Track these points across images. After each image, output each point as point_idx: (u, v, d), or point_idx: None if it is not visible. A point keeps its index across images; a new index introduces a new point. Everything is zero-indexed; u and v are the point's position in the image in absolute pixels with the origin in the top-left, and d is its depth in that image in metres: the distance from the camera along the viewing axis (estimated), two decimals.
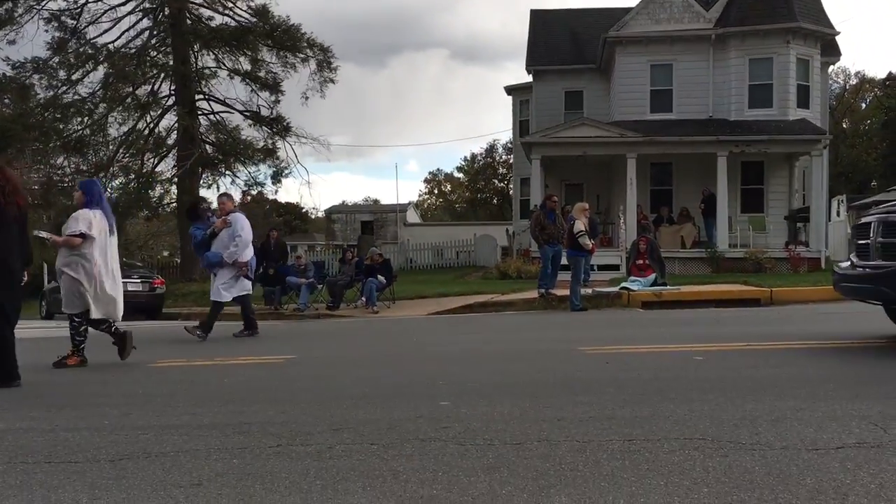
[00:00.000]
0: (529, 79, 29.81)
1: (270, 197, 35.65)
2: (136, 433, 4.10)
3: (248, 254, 10.63)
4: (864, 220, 6.93)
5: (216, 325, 10.62)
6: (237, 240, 10.38)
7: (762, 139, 22.89)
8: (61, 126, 27.18)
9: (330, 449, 3.61)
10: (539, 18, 31.04)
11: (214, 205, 12.29)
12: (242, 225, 10.54)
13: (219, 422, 4.34)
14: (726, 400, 4.46)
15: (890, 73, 50.77)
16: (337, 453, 3.53)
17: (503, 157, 64.33)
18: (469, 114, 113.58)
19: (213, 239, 10.54)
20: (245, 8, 28.09)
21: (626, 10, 26.25)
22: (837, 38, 26.45)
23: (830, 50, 26.37)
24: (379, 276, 16.99)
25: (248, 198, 32.41)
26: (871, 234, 6.58)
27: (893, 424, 3.72)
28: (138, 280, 20.61)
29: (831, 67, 31.03)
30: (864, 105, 54.99)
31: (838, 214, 23.07)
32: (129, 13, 27.38)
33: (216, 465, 3.38)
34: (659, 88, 25.30)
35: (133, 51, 27.22)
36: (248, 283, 10.86)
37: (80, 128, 27.50)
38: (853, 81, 53.63)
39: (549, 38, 29.98)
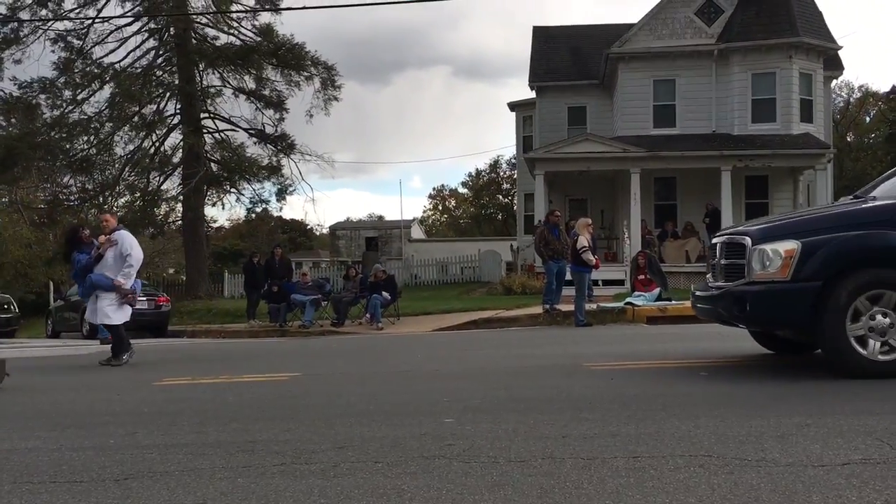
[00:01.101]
0: (532, 95, 29.92)
1: (275, 214, 35.71)
2: (141, 452, 4.10)
3: (131, 281, 9.80)
4: (713, 241, 6.94)
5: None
6: (128, 258, 9.60)
7: (766, 153, 22.92)
8: (67, 145, 27.33)
9: (334, 467, 3.61)
10: (541, 35, 31.18)
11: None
12: (130, 243, 9.82)
13: (223, 440, 4.34)
14: (732, 416, 4.45)
15: (893, 87, 50.81)
16: (341, 471, 3.53)
17: (507, 172, 64.48)
18: (473, 130, 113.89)
19: (97, 262, 9.69)
20: (250, 27, 28.31)
21: (628, 27, 26.37)
22: (840, 52, 26.50)
23: (833, 64, 26.42)
24: (383, 293, 17.00)
25: (253, 215, 32.42)
26: (717, 256, 6.59)
27: None
28: (143, 298, 20.60)
29: (834, 81, 31.10)
30: (867, 118, 54.99)
31: None
32: (135, 33, 27.60)
33: (221, 485, 3.38)
34: (662, 104, 25.36)
35: (139, 70, 27.40)
36: (129, 311, 9.96)
37: (86, 147, 27.64)
38: (857, 95, 53.68)
39: (552, 54, 30.11)
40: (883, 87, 56.36)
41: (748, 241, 6.00)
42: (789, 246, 5.71)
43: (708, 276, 7.02)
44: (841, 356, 5.65)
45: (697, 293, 6.92)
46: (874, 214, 5.95)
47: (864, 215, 6.00)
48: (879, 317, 5.58)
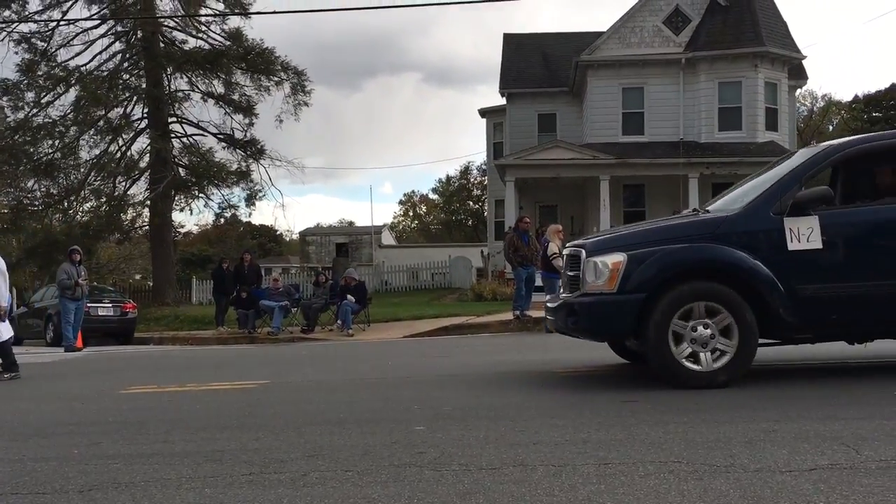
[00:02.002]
0: (503, 102, 30.04)
1: (244, 219, 35.41)
2: (105, 462, 4.03)
3: (5, 294, 9.33)
4: (563, 252, 7.08)
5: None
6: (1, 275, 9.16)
7: (732, 161, 23.23)
8: (31, 149, 26.87)
9: (304, 476, 3.57)
10: (512, 42, 31.34)
11: None
12: None
13: (191, 450, 4.28)
14: (700, 422, 4.48)
15: (856, 96, 51.91)
16: (311, 481, 3.49)
17: (478, 178, 64.61)
18: (443, 136, 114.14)
19: None
20: (219, 31, 28.09)
21: (598, 35, 26.60)
22: (804, 61, 26.97)
23: (798, 73, 26.87)
24: (349, 297, 16.92)
25: (222, 220, 32.14)
26: (564, 268, 6.73)
27: (865, 445, 3.75)
28: (109, 304, 20.32)
29: (799, 90, 31.60)
30: (831, 127, 55.96)
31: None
32: (102, 36, 27.24)
33: (188, 495, 3.33)
34: (630, 111, 25.62)
35: (105, 73, 27.05)
36: (7, 327, 9.30)
37: (50, 151, 27.22)
38: (820, 104, 54.64)
39: (522, 61, 30.27)
40: (846, 96, 57.51)
41: (583, 253, 6.13)
42: (616, 258, 5.83)
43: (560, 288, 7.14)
44: (665, 366, 5.76)
45: (547, 304, 6.98)
46: (698, 227, 6.10)
47: (690, 228, 6.14)
48: (701, 328, 5.68)
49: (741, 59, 24.62)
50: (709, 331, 5.67)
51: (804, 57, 26.49)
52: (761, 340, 5.97)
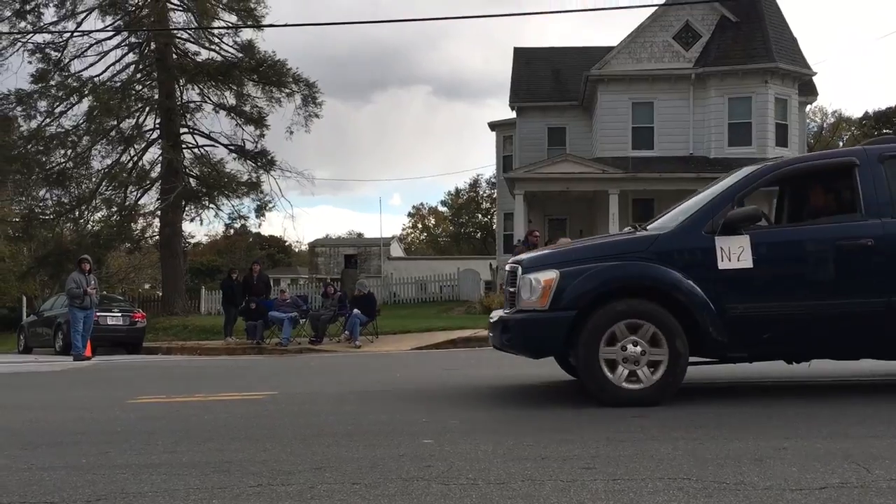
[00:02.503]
0: (513, 115, 30.10)
1: (254, 230, 35.52)
2: (114, 472, 4.03)
3: None
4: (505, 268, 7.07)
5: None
6: None
7: None
8: (44, 158, 27.06)
9: (311, 489, 3.57)
10: (522, 56, 31.44)
11: None
12: None
13: (198, 460, 4.28)
14: (709, 439, 4.46)
15: (866, 113, 51.79)
16: (318, 493, 3.49)
17: (487, 191, 64.68)
18: (453, 149, 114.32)
19: None
20: (231, 43, 28.28)
21: (608, 49, 26.67)
22: (814, 78, 26.95)
23: (808, 89, 26.86)
24: (355, 310, 16.95)
25: (232, 231, 32.24)
26: (505, 284, 6.70)
27: (876, 464, 3.73)
28: (119, 314, 20.40)
29: (809, 107, 31.59)
30: (841, 143, 55.86)
31: None
32: (115, 47, 27.47)
33: None
34: (640, 126, 25.64)
35: (118, 84, 27.25)
36: None
37: (63, 160, 27.40)
38: (830, 120, 54.60)
39: (532, 75, 30.36)
40: (856, 113, 57.39)
41: (519, 269, 6.13)
42: (549, 275, 5.82)
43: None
44: (594, 383, 5.73)
45: (490, 320, 6.95)
46: (631, 245, 6.10)
47: (623, 246, 6.15)
48: (630, 346, 5.66)
49: (751, 75, 24.63)
50: (639, 348, 5.65)
51: (814, 73, 26.49)
52: (698, 359, 6.01)
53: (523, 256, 6.52)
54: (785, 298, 5.76)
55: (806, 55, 26.43)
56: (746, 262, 5.68)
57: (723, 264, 5.69)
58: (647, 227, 6.58)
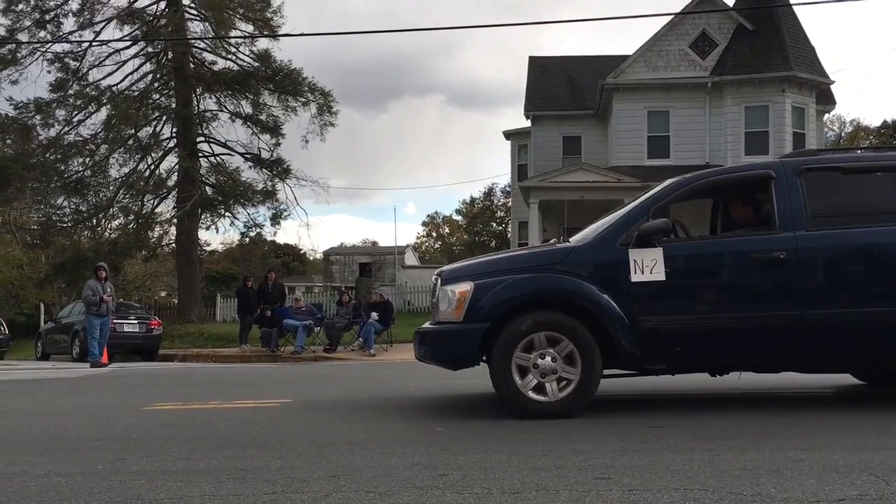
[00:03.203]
0: (528, 124, 30.12)
1: (269, 238, 35.66)
2: (130, 478, 4.05)
3: None
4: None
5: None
6: None
7: None
8: (62, 167, 27.31)
9: (326, 496, 3.57)
10: (537, 65, 31.47)
11: None
12: None
13: (214, 467, 4.29)
14: (726, 449, 4.42)
15: (885, 122, 51.39)
16: (333, 501, 3.49)
17: (501, 200, 64.67)
18: (467, 158, 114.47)
19: None
20: (248, 53, 28.49)
21: (624, 58, 26.64)
22: (832, 86, 26.81)
23: (825, 98, 26.71)
24: (373, 314, 16.98)
25: (247, 239, 32.37)
26: (431, 296, 6.69)
27: (895, 477, 3.68)
28: (135, 321, 20.54)
29: (826, 115, 31.43)
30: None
31: None
32: (133, 57, 27.73)
33: None
34: (656, 134, 25.58)
35: (136, 93, 27.49)
36: None
37: (80, 168, 27.65)
38: (848, 129, 54.21)
39: (547, 84, 30.37)
40: (874, 122, 56.91)
41: (439, 281, 6.14)
42: (464, 287, 5.82)
43: None
44: (508, 395, 5.72)
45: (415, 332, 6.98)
46: (547, 258, 6.08)
47: (539, 258, 6.13)
48: (540, 360, 5.64)
49: (768, 84, 24.53)
50: (550, 360, 5.64)
51: (832, 82, 26.35)
52: (618, 371, 6.04)
53: (445, 268, 6.54)
54: (697, 311, 5.75)
55: (824, 64, 26.33)
56: (659, 274, 5.67)
57: (635, 277, 5.68)
58: (570, 240, 6.56)
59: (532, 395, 5.67)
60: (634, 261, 5.69)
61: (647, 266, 5.67)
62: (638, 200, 6.26)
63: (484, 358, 5.95)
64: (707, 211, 7.60)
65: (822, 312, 5.64)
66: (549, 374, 5.65)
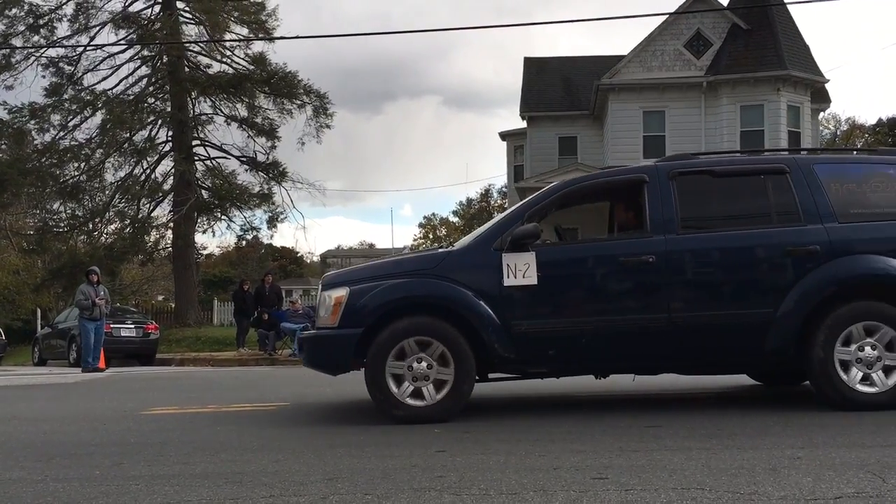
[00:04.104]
0: (524, 125, 30.12)
1: (265, 241, 35.64)
2: (127, 483, 4.05)
3: None
4: None
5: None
6: None
7: None
8: (57, 171, 27.25)
9: (323, 499, 3.57)
10: (532, 66, 31.48)
11: None
12: None
13: (211, 471, 4.29)
14: (723, 448, 4.43)
15: (880, 119, 51.45)
16: (331, 503, 3.49)
17: (498, 201, 64.69)
18: (463, 159, 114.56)
19: None
20: (243, 56, 28.43)
21: (619, 58, 26.66)
22: (827, 85, 26.84)
23: (821, 97, 26.75)
24: None
25: (244, 242, 32.35)
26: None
27: (892, 474, 3.69)
28: (132, 325, 20.53)
29: (822, 114, 31.45)
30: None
31: None
32: (128, 61, 27.67)
33: None
34: (652, 134, 25.59)
35: (131, 97, 27.44)
36: None
37: (76, 173, 27.59)
38: (844, 128, 54.26)
39: (543, 85, 30.39)
40: (870, 120, 57.05)
41: (320, 287, 6.22)
42: (339, 293, 5.89)
43: None
44: (381, 400, 5.79)
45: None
46: (422, 262, 6.15)
47: (414, 263, 6.20)
48: (416, 364, 5.71)
49: (763, 83, 24.56)
50: (425, 365, 5.70)
51: (827, 80, 26.37)
52: (504, 375, 6.16)
53: (327, 274, 6.63)
54: (568, 315, 5.80)
55: (819, 62, 26.35)
56: (531, 278, 5.73)
57: (508, 281, 5.74)
58: (453, 245, 6.59)
59: (410, 400, 5.73)
60: (507, 265, 5.76)
61: (520, 270, 5.74)
62: (516, 206, 6.34)
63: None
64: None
65: (689, 315, 5.72)
66: (423, 379, 5.72)
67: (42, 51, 26.73)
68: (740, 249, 5.85)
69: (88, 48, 26.89)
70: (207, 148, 28.90)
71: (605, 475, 3.84)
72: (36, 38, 26.94)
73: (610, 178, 6.50)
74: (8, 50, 26.45)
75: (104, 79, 27.57)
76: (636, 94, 25.55)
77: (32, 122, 26.84)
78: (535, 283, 5.71)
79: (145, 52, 27.83)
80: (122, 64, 27.60)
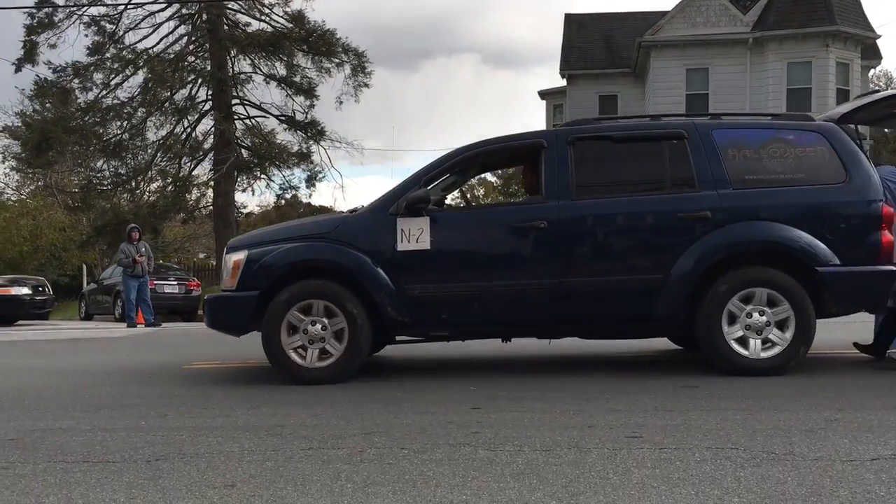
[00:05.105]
0: (563, 83, 29.74)
1: (304, 200, 35.89)
2: (171, 434, 4.18)
3: None
4: None
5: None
6: None
7: None
8: (100, 130, 27.62)
9: (361, 452, 3.65)
10: (573, 23, 30.97)
11: None
12: None
13: (252, 424, 4.41)
14: (760, 409, 4.42)
15: None
16: (368, 457, 3.57)
17: None
18: (501, 118, 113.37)
19: None
20: (281, 14, 28.36)
21: (662, 14, 26.10)
22: (878, 41, 26.02)
23: (871, 53, 25.98)
24: None
25: (283, 201, 32.56)
26: None
27: None
28: (175, 282, 20.93)
29: (872, 71, 30.57)
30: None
31: None
32: (168, 19, 27.77)
33: (249, 468, 3.44)
34: (695, 92, 25.15)
35: (171, 56, 27.60)
36: None
37: (119, 132, 27.94)
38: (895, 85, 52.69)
39: (583, 42, 29.91)
40: None
41: (225, 250, 6.29)
42: (238, 256, 5.98)
43: None
44: (277, 361, 5.87)
45: None
46: (319, 226, 6.16)
47: (312, 227, 6.21)
48: (311, 327, 5.77)
49: (812, 39, 23.92)
50: (320, 328, 5.76)
51: (878, 36, 25.58)
52: (411, 337, 6.25)
53: (234, 238, 6.70)
54: (461, 279, 5.80)
55: (869, 17, 25.53)
56: (424, 243, 5.76)
57: (401, 245, 5.78)
58: (360, 207, 6.55)
59: (303, 362, 5.82)
60: (401, 230, 5.80)
61: (414, 235, 5.78)
62: (416, 170, 6.31)
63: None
64: None
65: (579, 280, 5.72)
66: (318, 341, 5.80)
67: (84, 9, 26.94)
68: (632, 215, 5.86)
69: (129, 6, 27.04)
70: (247, 107, 29.03)
71: (640, 434, 3.86)
72: None
73: (510, 144, 6.36)
74: (51, 8, 26.71)
75: (145, 37, 27.75)
76: (679, 50, 25.05)
77: (76, 80, 27.15)
78: (429, 247, 5.77)
79: (185, 11, 27.90)
80: (163, 22, 27.71)
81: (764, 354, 5.60)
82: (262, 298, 5.84)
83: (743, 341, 5.62)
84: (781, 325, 5.59)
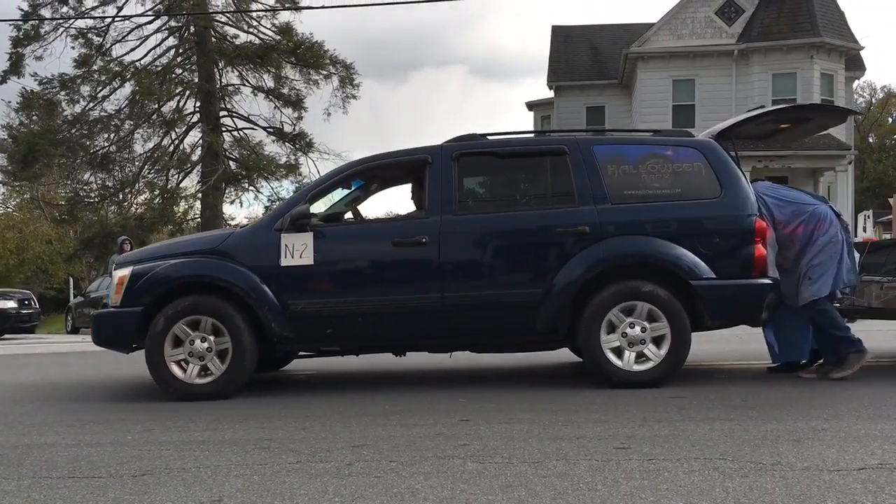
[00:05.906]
0: (551, 94, 29.86)
1: None
2: (158, 448, 4.15)
3: None
4: None
5: None
6: None
7: (786, 154, 22.76)
8: (87, 142, 27.53)
9: (349, 466, 3.63)
10: (560, 34, 31.13)
11: None
12: None
13: (239, 437, 4.38)
14: (747, 420, 4.43)
15: None
16: (356, 470, 3.55)
17: None
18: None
19: None
20: (269, 26, 28.38)
21: (648, 26, 26.29)
22: (862, 52, 26.27)
23: (855, 64, 26.21)
24: None
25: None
26: None
27: None
28: None
29: (856, 82, 30.84)
30: (890, 119, 54.45)
31: (864, 230, 22.84)
32: (156, 31, 27.73)
33: (236, 482, 3.41)
34: (681, 104, 25.29)
35: (159, 68, 27.56)
36: None
37: (106, 144, 27.85)
38: (879, 96, 53.16)
39: (571, 53, 30.07)
40: None
41: (113, 266, 6.31)
42: (123, 273, 5.99)
43: None
44: (159, 378, 5.89)
45: None
46: (205, 242, 6.21)
47: (198, 243, 6.24)
48: (197, 342, 5.78)
49: (796, 50, 24.11)
50: (204, 345, 5.79)
51: (862, 48, 25.82)
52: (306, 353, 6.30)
53: (128, 253, 6.73)
54: (344, 295, 5.84)
55: (853, 29, 25.78)
56: (308, 259, 5.80)
57: (285, 261, 5.81)
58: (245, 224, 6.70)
59: (186, 378, 5.83)
60: (285, 245, 5.83)
61: (297, 250, 5.81)
62: (305, 187, 6.41)
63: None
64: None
65: (460, 295, 5.75)
66: (199, 357, 5.82)
67: (70, 21, 26.88)
68: (512, 230, 5.90)
69: (116, 19, 27.00)
70: (234, 119, 29.00)
71: (628, 445, 3.86)
72: (65, 8, 27.09)
73: (397, 159, 6.37)
74: (37, 20, 26.63)
75: (132, 49, 27.70)
76: (665, 62, 25.21)
77: (63, 93, 27.06)
78: (312, 263, 5.79)
79: (172, 23, 27.88)
80: (150, 35, 27.67)
81: (637, 367, 5.66)
82: (145, 315, 5.84)
83: (619, 352, 5.68)
84: (657, 342, 5.66)
